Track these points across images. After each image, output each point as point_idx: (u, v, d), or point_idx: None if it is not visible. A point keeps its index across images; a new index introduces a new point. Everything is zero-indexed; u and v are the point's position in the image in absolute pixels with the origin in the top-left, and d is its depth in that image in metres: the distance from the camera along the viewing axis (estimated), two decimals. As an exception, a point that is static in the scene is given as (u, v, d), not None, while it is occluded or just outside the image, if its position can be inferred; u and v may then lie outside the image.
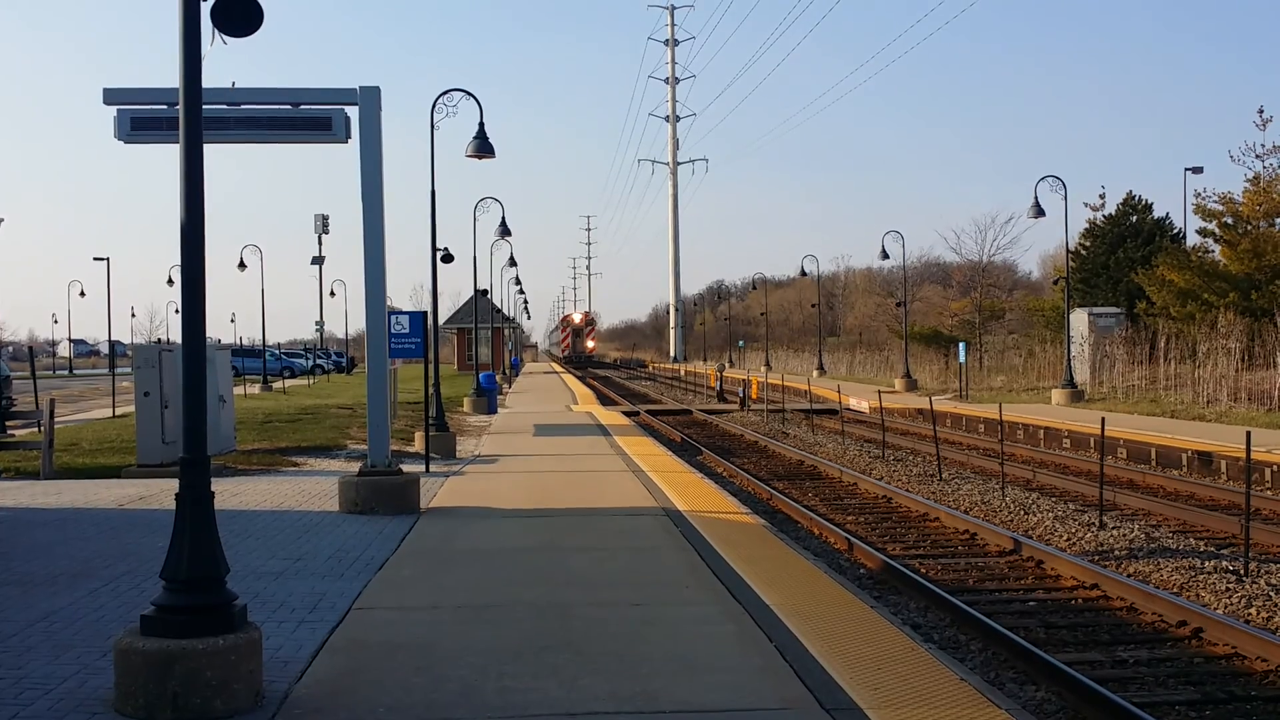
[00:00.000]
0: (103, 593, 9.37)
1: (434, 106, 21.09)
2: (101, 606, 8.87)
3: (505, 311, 79.12)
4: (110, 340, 62.89)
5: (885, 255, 51.17)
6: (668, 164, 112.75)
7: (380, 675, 6.93)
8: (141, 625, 6.16)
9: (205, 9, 6.82)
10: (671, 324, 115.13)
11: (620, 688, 6.66)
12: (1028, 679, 8.63)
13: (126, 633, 6.22)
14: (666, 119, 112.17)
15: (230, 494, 15.46)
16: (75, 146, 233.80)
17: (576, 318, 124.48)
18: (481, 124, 20.79)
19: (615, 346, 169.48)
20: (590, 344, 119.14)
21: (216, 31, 7.23)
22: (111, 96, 13.43)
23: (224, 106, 13.43)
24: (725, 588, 9.43)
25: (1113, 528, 14.69)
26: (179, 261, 6.59)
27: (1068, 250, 40.41)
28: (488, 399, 36.59)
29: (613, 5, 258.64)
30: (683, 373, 73.67)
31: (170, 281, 67.02)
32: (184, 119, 6.49)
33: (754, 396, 42.46)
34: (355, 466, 16.70)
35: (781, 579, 9.79)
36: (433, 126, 21.48)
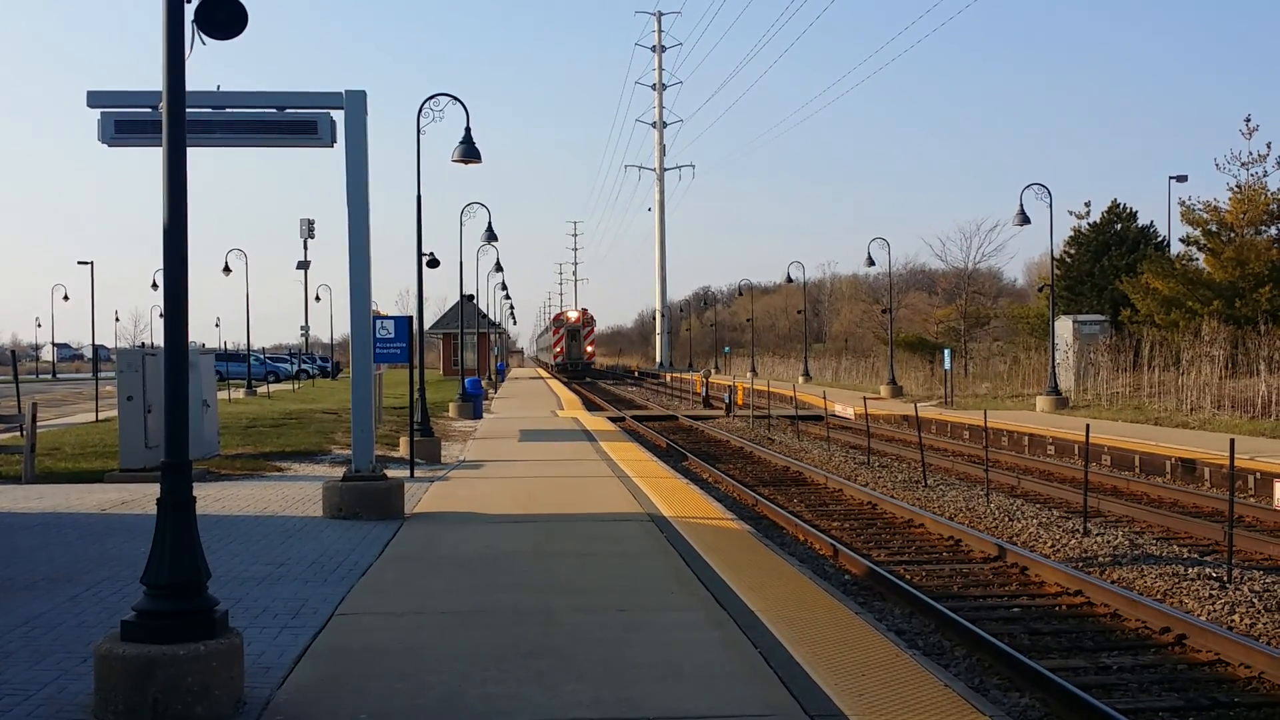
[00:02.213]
0: (84, 598, 9.32)
1: (420, 111, 21.11)
2: (82, 612, 8.82)
3: (491, 317, 79.08)
4: (94, 344, 62.84)
5: (871, 262, 51.19)
6: (654, 170, 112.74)
7: (363, 681, 6.90)
8: (122, 631, 6.12)
9: (189, 11, 6.81)
10: (658, 330, 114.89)
11: (604, 694, 6.64)
12: (1012, 685, 8.63)
13: (107, 638, 6.18)
14: (653, 125, 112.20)
15: (213, 499, 15.40)
16: (59, 149, 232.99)
17: (572, 315, 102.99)
18: (468, 129, 20.80)
19: (601, 352, 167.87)
20: (589, 348, 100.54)
21: (199, 33, 7.22)
22: (95, 99, 13.37)
23: (209, 110, 13.39)
24: (710, 593, 9.42)
25: (1097, 534, 14.72)
26: (162, 266, 6.57)
27: (1053, 258, 40.51)
28: (473, 404, 36.55)
29: (600, 12, 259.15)
30: (668, 379, 73.72)
31: (154, 285, 66.84)
32: (167, 122, 6.47)
33: (740, 403, 42.46)
34: (339, 471, 16.64)
35: (767, 585, 9.78)
36: (419, 131, 21.49)
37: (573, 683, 6.86)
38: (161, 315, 6.77)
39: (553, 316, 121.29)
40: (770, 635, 7.99)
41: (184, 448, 6.44)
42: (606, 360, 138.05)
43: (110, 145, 13.44)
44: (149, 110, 13.25)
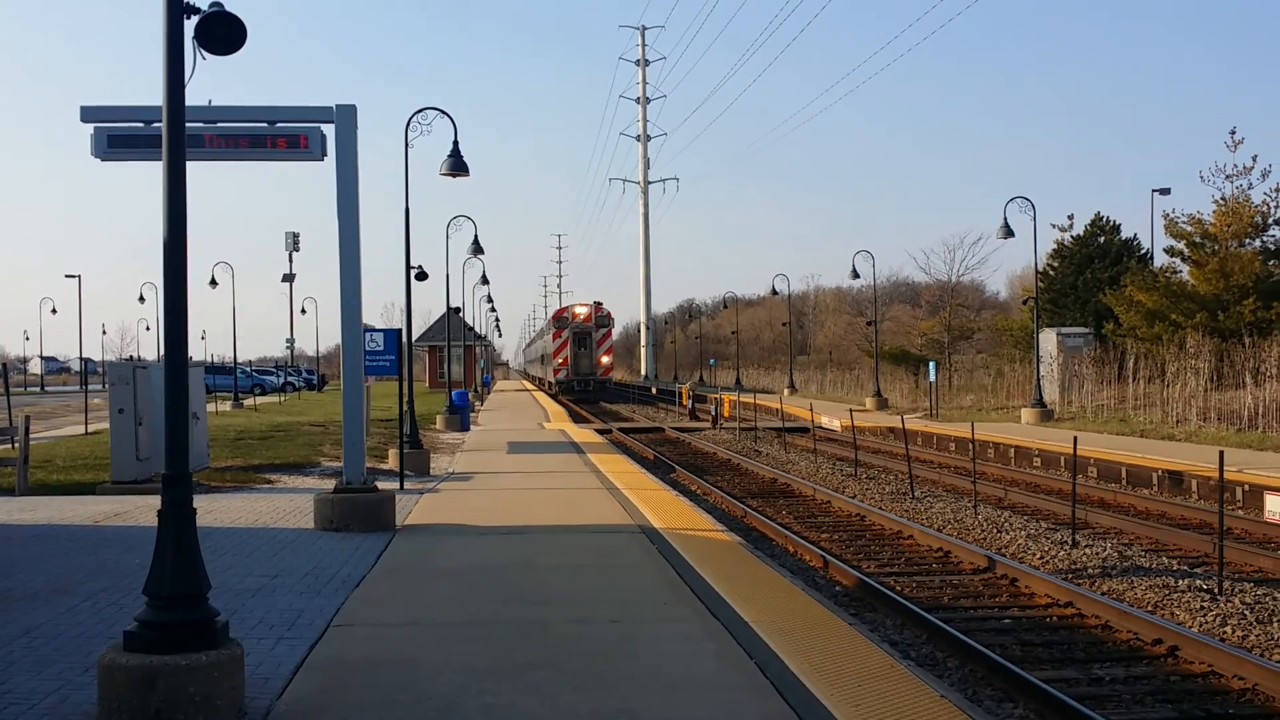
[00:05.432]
0: (82, 609, 9.33)
1: (408, 125, 21.13)
2: (81, 623, 8.82)
3: (477, 329, 79.01)
4: (81, 357, 62.68)
5: (855, 275, 51.38)
6: (638, 183, 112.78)
7: (361, 692, 6.93)
8: (124, 641, 6.16)
9: (189, 27, 6.86)
10: (643, 342, 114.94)
11: (602, 704, 6.68)
12: (1005, 696, 8.69)
13: (109, 649, 6.21)
14: (637, 138, 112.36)
15: (204, 511, 15.33)
16: (48, 163, 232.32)
17: (581, 311, 76.99)
18: (456, 142, 20.85)
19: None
20: (604, 358, 76.29)
21: (199, 49, 7.28)
22: (89, 114, 13.38)
23: (200, 124, 13.39)
24: (704, 605, 9.46)
25: (1085, 546, 14.80)
26: (160, 279, 6.68)
27: (1036, 270, 40.68)
28: (460, 416, 36.57)
29: (584, 26, 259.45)
30: (654, 391, 73.72)
31: (141, 299, 66.97)
32: (166, 137, 6.52)
33: (726, 415, 42.55)
34: (329, 484, 16.64)
35: (759, 596, 9.83)
36: (407, 145, 21.50)
37: (570, 693, 6.89)
38: (149, 328, 6.84)
39: (552, 315, 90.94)
40: (765, 646, 8.03)
41: (184, 459, 6.51)
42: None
43: (103, 160, 13.43)
44: (141, 125, 13.27)
